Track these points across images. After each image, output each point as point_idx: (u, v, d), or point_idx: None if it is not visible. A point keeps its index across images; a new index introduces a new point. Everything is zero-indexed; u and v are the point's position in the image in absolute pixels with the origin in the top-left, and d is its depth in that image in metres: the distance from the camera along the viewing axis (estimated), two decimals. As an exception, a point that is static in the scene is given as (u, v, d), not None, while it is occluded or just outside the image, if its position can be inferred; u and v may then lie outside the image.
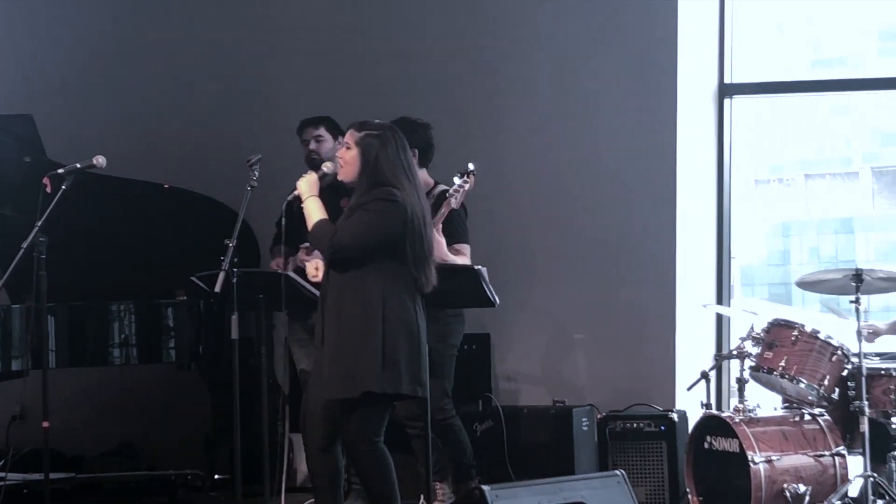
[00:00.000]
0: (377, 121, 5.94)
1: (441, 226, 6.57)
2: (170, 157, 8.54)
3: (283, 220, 6.21)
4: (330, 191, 6.16)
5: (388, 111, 7.17)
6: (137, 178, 7.72)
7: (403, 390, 5.75)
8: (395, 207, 5.72)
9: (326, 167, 6.27)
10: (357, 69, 8.52)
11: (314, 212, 5.87)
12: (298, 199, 5.98)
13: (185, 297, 7.52)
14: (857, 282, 6.25)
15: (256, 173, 6.51)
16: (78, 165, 6.31)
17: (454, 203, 6.55)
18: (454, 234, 6.68)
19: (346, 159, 5.87)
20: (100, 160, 6.30)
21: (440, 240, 6.52)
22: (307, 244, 6.86)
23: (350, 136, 5.88)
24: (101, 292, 7.48)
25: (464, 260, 6.66)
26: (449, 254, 6.57)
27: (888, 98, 8.57)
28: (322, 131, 7.35)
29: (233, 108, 8.67)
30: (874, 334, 6.82)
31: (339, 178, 5.95)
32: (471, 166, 6.50)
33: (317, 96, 8.40)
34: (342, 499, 6.09)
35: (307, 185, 5.96)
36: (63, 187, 6.24)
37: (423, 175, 6.90)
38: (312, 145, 7.33)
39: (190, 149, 8.64)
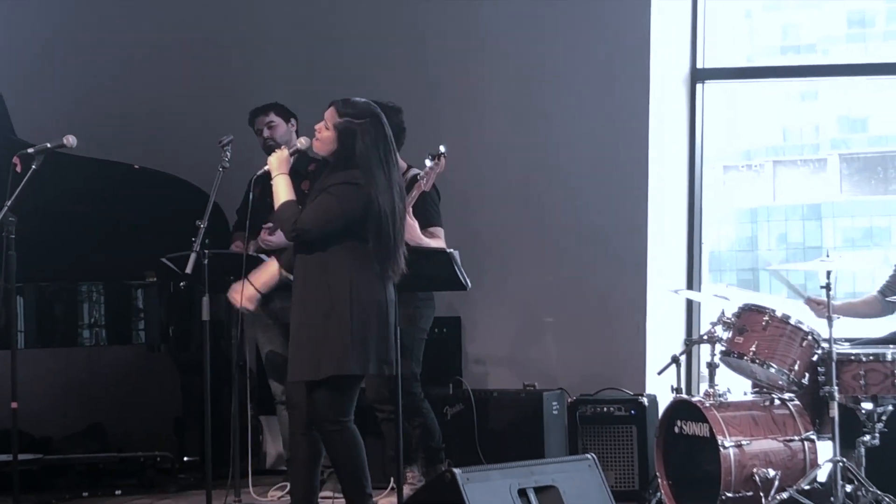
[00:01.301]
0: (362, 101, 5.87)
1: (412, 209, 6.57)
2: (140, 138, 8.50)
3: (251, 194, 6.18)
4: (293, 174, 6.13)
5: (360, 94, 7.14)
6: (108, 159, 7.68)
7: (371, 370, 5.76)
8: (356, 191, 5.69)
9: (300, 143, 6.23)
10: (328, 51, 8.49)
11: (282, 191, 5.84)
12: (267, 175, 5.96)
13: (156, 279, 7.50)
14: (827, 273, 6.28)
15: (228, 154, 6.48)
16: (48, 145, 6.27)
17: (425, 185, 6.55)
18: (427, 217, 6.67)
19: (322, 136, 5.84)
20: (70, 140, 6.26)
21: (413, 223, 6.52)
22: (269, 224, 6.85)
23: (330, 116, 5.81)
24: (71, 273, 7.44)
25: (438, 243, 6.65)
26: (423, 237, 6.57)
27: (856, 84, 8.60)
28: (272, 116, 7.33)
29: (204, 89, 8.63)
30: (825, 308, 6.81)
31: (315, 149, 5.92)
32: (442, 148, 6.50)
33: (288, 77, 8.39)
34: (318, 482, 6.10)
35: (277, 162, 5.93)
36: (33, 167, 6.20)
37: (394, 159, 6.90)
38: (266, 132, 7.31)
39: (161, 129, 8.60)
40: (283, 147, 6.06)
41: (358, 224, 5.70)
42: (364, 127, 5.78)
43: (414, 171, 6.78)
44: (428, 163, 6.53)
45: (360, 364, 5.70)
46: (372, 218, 5.68)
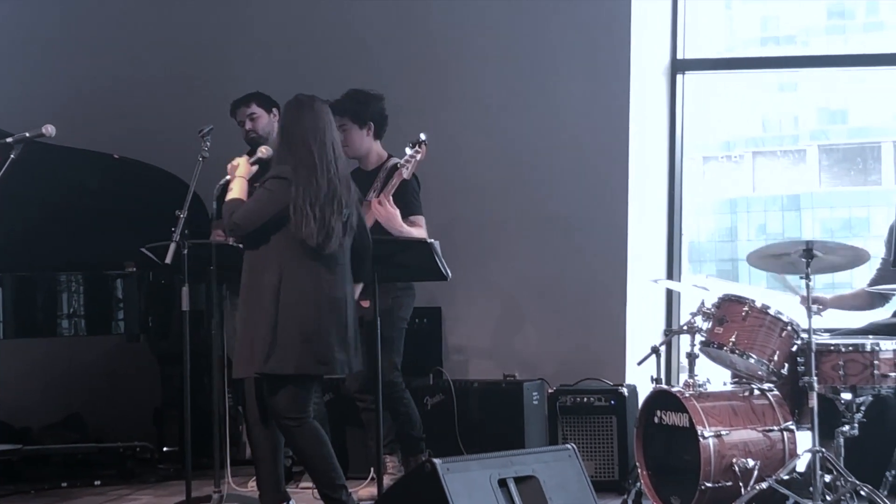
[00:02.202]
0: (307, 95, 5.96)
1: (392, 198, 6.57)
2: (120, 127, 8.47)
3: (214, 203, 6.18)
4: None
5: (341, 83, 7.16)
6: (87, 149, 7.65)
7: (301, 370, 5.74)
8: (283, 185, 5.73)
9: (262, 152, 6.23)
10: (310, 40, 8.48)
11: (234, 190, 5.93)
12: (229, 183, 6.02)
13: (135, 269, 7.48)
14: (808, 257, 6.27)
15: (208, 144, 6.48)
16: (27, 134, 6.22)
17: (406, 174, 6.55)
18: (408, 206, 6.67)
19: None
20: (49, 129, 6.21)
21: (394, 212, 6.53)
22: None
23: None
24: (50, 263, 7.42)
25: (420, 232, 6.65)
26: (405, 226, 6.58)
27: (835, 76, 8.62)
28: (254, 108, 7.31)
29: (185, 78, 8.61)
30: (822, 307, 6.86)
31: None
32: (422, 136, 6.51)
33: (269, 67, 8.37)
34: (283, 469, 6.11)
35: (239, 169, 6.01)
36: (11, 156, 6.16)
37: (376, 147, 6.89)
38: (248, 125, 7.30)
39: (141, 119, 8.57)
40: (244, 156, 6.09)
41: (282, 217, 5.75)
42: (290, 106, 5.90)
43: (394, 160, 6.77)
44: (408, 151, 6.53)
45: (284, 363, 5.69)
46: (292, 199, 5.72)
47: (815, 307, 6.52)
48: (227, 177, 6.02)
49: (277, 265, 5.73)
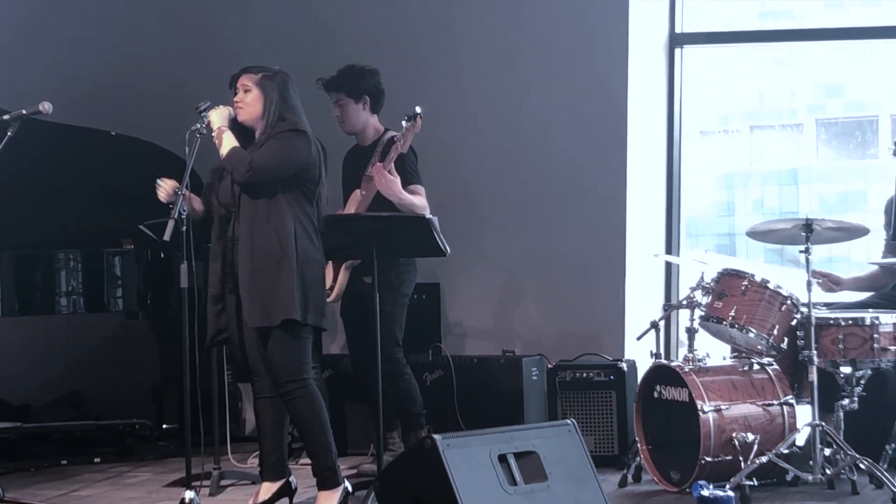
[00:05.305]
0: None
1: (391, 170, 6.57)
2: (117, 104, 8.45)
3: (187, 149, 6.12)
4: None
5: (340, 55, 7.14)
6: (84, 126, 7.63)
7: (310, 321, 5.83)
8: (303, 137, 5.83)
9: (222, 112, 6.08)
10: (306, 14, 8.45)
11: (228, 141, 5.91)
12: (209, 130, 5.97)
13: (133, 246, 7.47)
14: (808, 231, 6.27)
15: (206, 120, 6.44)
16: (24, 111, 6.21)
17: (401, 147, 6.54)
18: (407, 176, 6.67)
19: (245, 101, 5.95)
20: (46, 106, 6.20)
21: (394, 179, 6.54)
22: None
23: (248, 79, 5.96)
24: (48, 240, 7.40)
25: (420, 199, 6.66)
26: (405, 193, 6.57)
27: (833, 50, 8.60)
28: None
29: (182, 54, 8.59)
30: (836, 284, 6.87)
31: (240, 119, 5.97)
32: (417, 109, 6.50)
33: (266, 41, 8.34)
34: (286, 445, 6.12)
35: (218, 118, 5.98)
36: (8, 133, 6.15)
37: (373, 122, 6.89)
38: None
39: (138, 95, 8.55)
40: (223, 107, 6.03)
41: (303, 170, 5.84)
42: (282, 77, 5.97)
43: (391, 133, 6.77)
44: (404, 124, 6.53)
45: (304, 312, 5.78)
46: (316, 157, 5.86)
47: (823, 280, 6.54)
48: (199, 125, 5.95)
49: (292, 219, 5.80)
